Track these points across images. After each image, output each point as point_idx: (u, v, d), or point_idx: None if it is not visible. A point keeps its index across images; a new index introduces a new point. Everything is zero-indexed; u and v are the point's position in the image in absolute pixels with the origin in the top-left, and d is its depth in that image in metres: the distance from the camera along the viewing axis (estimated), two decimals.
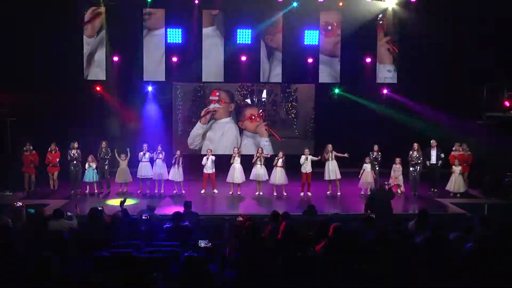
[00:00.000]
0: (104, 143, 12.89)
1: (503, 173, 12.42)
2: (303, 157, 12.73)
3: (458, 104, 14.20)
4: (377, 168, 12.94)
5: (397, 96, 15.56)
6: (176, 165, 12.75)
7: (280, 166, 12.63)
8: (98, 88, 15.36)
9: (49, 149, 12.90)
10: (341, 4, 15.34)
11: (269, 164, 12.90)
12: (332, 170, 12.77)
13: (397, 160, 12.97)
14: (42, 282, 3.94)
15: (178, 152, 13.03)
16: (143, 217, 7.65)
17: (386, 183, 10.48)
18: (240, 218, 7.41)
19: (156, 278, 4.30)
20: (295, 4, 15.25)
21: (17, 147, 13.22)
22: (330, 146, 12.87)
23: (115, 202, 11.19)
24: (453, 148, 13.22)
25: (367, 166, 12.77)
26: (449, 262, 4.38)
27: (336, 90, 15.90)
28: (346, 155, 12.74)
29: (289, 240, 5.55)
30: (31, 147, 12.82)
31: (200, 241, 4.95)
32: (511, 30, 13.63)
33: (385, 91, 15.90)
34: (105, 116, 15.18)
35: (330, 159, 12.77)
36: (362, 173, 12.84)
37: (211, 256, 4.84)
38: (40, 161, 13.00)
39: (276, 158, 12.76)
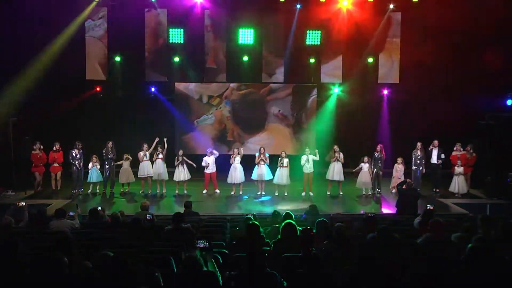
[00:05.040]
0: (110, 142, 12.91)
1: (505, 173, 12.38)
2: (303, 157, 12.75)
3: (459, 104, 14.18)
4: (379, 168, 12.89)
5: (399, 96, 15.55)
6: (180, 165, 12.76)
7: (285, 166, 12.63)
8: (98, 89, 15.43)
9: (53, 149, 12.96)
10: (344, 3, 15.35)
11: (272, 164, 12.93)
12: (336, 171, 12.76)
13: (399, 160, 12.96)
14: (52, 282, 3.92)
15: (181, 152, 13.05)
16: (147, 217, 7.66)
17: (407, 180, 10.61)
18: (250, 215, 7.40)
19: (158, 278, 4.31)
20: (298, 5, 15.30)
21: (19, 147, 13.27)
22: (336, 147, 12.86)
23: None
24: (454, 148, 13.19)
25: (364, 166, 12.77)
26: (450, 262, 4.37)
27: (338, 91, 15.90)
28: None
29: (291, 240, 5.55)
30: (41, 147, 12.90)
31: (198, 241, 4.93)
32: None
33: (385, 91, 15.90)
34: (107, 116, 15.23)
35: (337, 160, 12.76)
36: (359, 173, 12.85)
37: (211, 256, 4.83)
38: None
39: (280, 158, 12.76)
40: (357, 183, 12.93)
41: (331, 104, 15.96)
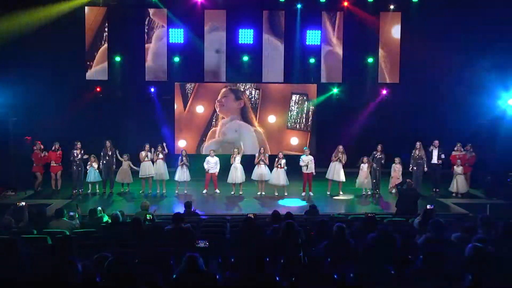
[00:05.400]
0: (108, 142, 12.91)
1: (505, 173, 12.37)
2: (303, 158, 12.73)
3: (459, 104, 14.18)
4: (378, 168, 12.88)
5: (399, 96, 15.55)
6: (184, 165, 12.76)
7: (282, 167, 12.63)
8: (98, 89, 15.44)
9: (52, 148, 12.97)
10: (346, 3, 15.36)
11: (271, 164, 12.92)
12: (337, 171, 12.76)
13: (397, 160, 12.95)
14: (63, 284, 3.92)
15: (184, 152, 13.05)
16: (147, 217, 7.66)
17: (407, 180, 10.60)
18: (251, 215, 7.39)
19: (157, 277, 4.30)
20: (298, 5, 15.32)
21: (19, 147, 13.26)
22: (341, 147, 12.85)
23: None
24: (455, 148, 13.18)
25: (363, 166, 12.76)
26: (450, 263, 4.37)
27: (337, 90, 15.91)
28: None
29: (291, 240, 5.55)
30: (42, 147, 12.90)
31: (199, 241, 4.94)
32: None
33: (385, 91, 15.90)
34: (107, 116, 15.23)
35: (338, 160, 12.75)
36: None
37: (211, 256, 4.83)
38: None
39: (277, 159, 12.75)
40: (357, 183, 12.93)
41: (330, 104, 15.95)
